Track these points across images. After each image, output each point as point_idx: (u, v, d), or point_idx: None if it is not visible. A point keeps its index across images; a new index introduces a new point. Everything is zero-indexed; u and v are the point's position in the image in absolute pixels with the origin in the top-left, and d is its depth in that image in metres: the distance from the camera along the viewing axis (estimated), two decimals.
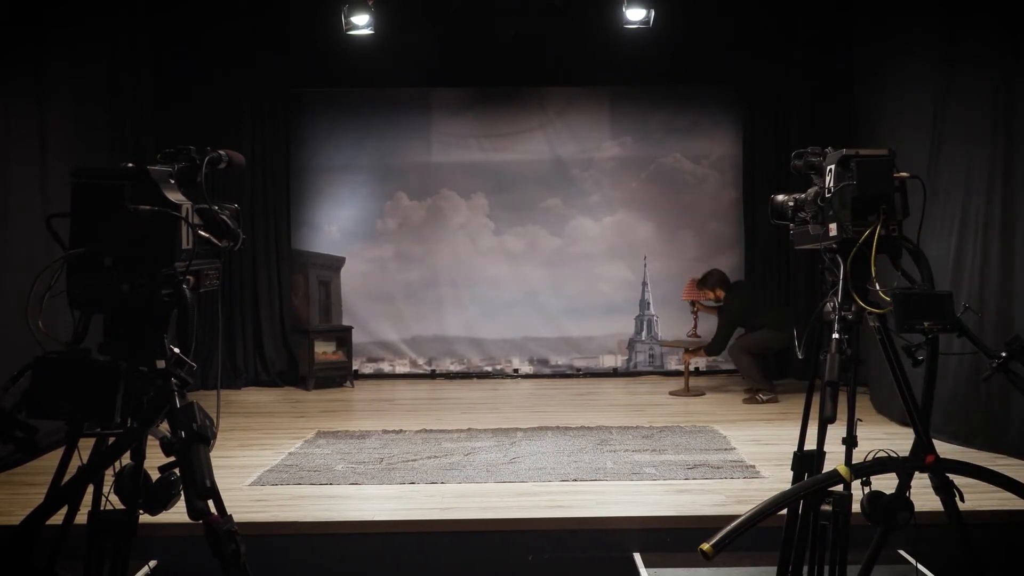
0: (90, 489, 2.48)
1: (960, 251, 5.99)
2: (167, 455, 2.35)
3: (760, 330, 7.75)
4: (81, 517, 2.52)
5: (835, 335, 2.82)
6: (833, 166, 2.90)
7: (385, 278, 9.27)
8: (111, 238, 2.32)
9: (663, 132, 9.16)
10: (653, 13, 7.90)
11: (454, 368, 9.31)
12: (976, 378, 5.67)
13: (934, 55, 6.41)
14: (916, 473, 2.89)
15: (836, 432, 2.85)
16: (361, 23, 8.04)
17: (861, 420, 2.95)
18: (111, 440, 2.35)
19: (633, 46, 8.31)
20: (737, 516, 2.58)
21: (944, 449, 2.95)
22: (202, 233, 2.45)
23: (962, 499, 2.83)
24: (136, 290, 2.33)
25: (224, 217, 2.50)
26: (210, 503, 2.33)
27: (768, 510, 2.62)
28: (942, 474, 2.81)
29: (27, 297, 2.28)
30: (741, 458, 5.60)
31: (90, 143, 6.88)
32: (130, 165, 2.39)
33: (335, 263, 9.25)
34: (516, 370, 9.30)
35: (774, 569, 3.17)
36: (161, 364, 2.36)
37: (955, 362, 5.66)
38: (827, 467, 2.89)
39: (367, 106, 9.14)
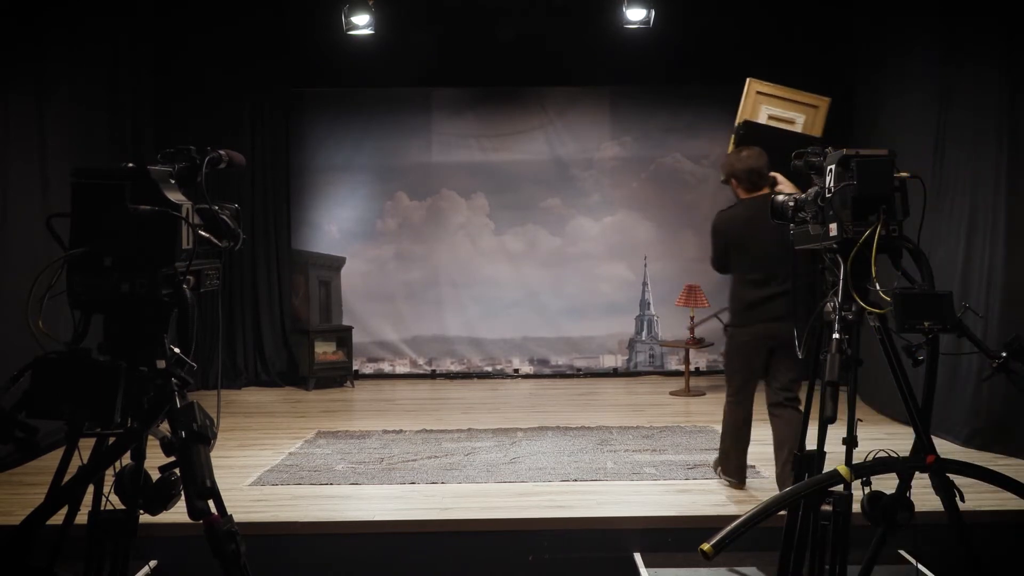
0: (90, 489, 2.48)
1: (969, 252, 5.99)
2: (167, 455, 2.35)
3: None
4: (81, 517, 2.52)
5: (835, 335, 2.82)
6: (833, 166, 2.90)
7: (385, 278, 9.27)
8: (111, 238, 2.32)
9: (663, 132, 9.16)
10: (653, 13, 7.91)
11: (454, 368, 9.31)
12: (977, 378, 5.67)
13: (934, 55, 6.41)
14: (916, 473, 2.89)
15: (836, 432, 2.86)
16: (361, 23, 8.05)
17: (861, 420, 2.95)
18: (111, 440, 2.35)
19: (633, 46, 8.31)
20: (737, 516, 2.58)
21: (944, 449, 2.95)
22: (202, 233, 2.45)
23: (962, 499, 2.83)
24: (136, 290, 2.32)
25: (224, 217, 2.50)
26: (210, 503, 2.33)
27: (768, 510, 2.62)
28: (942, 474, 2.81)
29: (27, 297, 2.28)
30: None
31: (90, 143, 6.88)
32: (130, 165, 2.39)
33: (335, 263, 9.25)
34: (516, 370, 9.30)
35: (774, 569, 3.17)
36: (161, 364, 2.36)
37: (955, 362, 5.66)
38: (827, 467, 2.89)
39: (367, 106, 9.14)
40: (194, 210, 2.44)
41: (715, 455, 5.21)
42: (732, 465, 4.94)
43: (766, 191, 4.62)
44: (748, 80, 5.06)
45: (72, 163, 4.56)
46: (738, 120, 5.00)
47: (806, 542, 2.96)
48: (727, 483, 4.98)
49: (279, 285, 8.99)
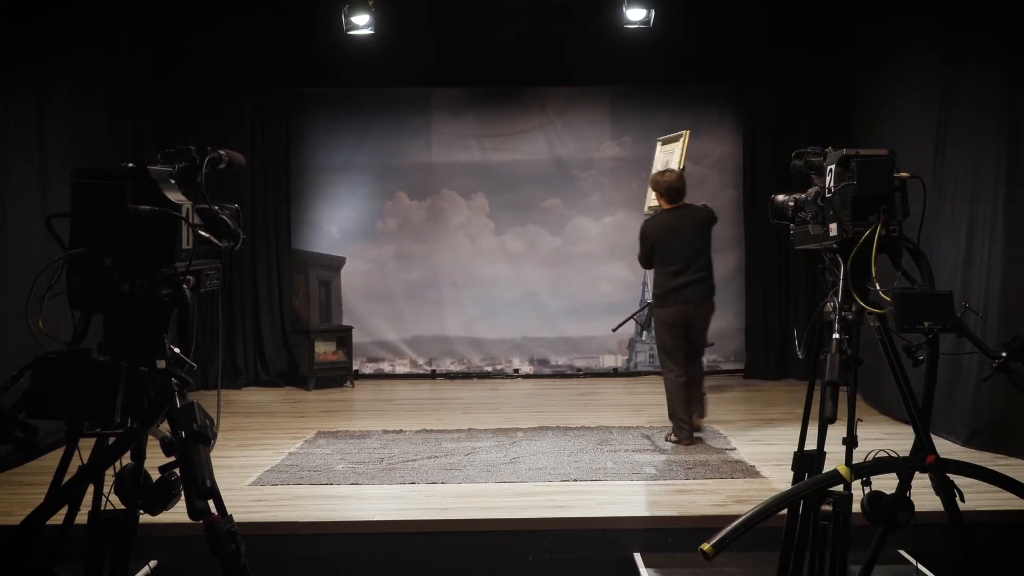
0: (90, 489, 2.48)
1: (970, 251, 5.99)
2: (167, 455, 2.35)
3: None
4: (81, 517, 2.52)
5: (835, 335, 2.82)
6: (833, 166, 2.90)
7: (385, 278, 9.27)
8: (111, 238, 2.32)
9: (663, 132, 9.12)
10: (653, 13, 7.91)
11: (454, 368, 9.31)
12: (977, 378, 5.67)
13: (934, 54, 6.41)
14: (916, 473, 2.89)
15: (836, 432, 2.86)
16: (361, 23, 8.05)
17: (861, 420, 2.95)
18: (111, 440, 2.35)
19: (633, 46, 8.31)
20: (737, 516, 2.58)
21: (944, 449, 2.95)
22: (202, 233, 2.45)
23: (962, 499, 2.83)
24: (136, 290, 2.33)
25: (224, 217, 2.50)
26: (210, 503, 2.33)
27: (768, 510, 2.62)
28: (942, 474, 2.81)
29: (27, 297, 2.28)
30: (741, 458, 5.61)
31: (90, 143, 6.88)
32: (130, 165, 2.39)
33: (335, 263, 9.25)
34: (516, 370, 9.30)
35: (774, 569, 3.17)
36: (161, 364, 2.36)
37: (955, 362, 5.66)
38: (827, 467, 2.89)
39: (367, 106, 9.14)
40: (194, 210, 2.44)
41: (667, 427, 6.19)
42: (682, 425, 5.99)
43: (682, 204, 6.15)
44: (686, 132, 7.05)
45: (72, 163, 4.55)
46: (679, 165, 6.70)
47: (806, 542, 2.96)
48: (677, 442, 5.99)
49: (279, 285, 8.98)
